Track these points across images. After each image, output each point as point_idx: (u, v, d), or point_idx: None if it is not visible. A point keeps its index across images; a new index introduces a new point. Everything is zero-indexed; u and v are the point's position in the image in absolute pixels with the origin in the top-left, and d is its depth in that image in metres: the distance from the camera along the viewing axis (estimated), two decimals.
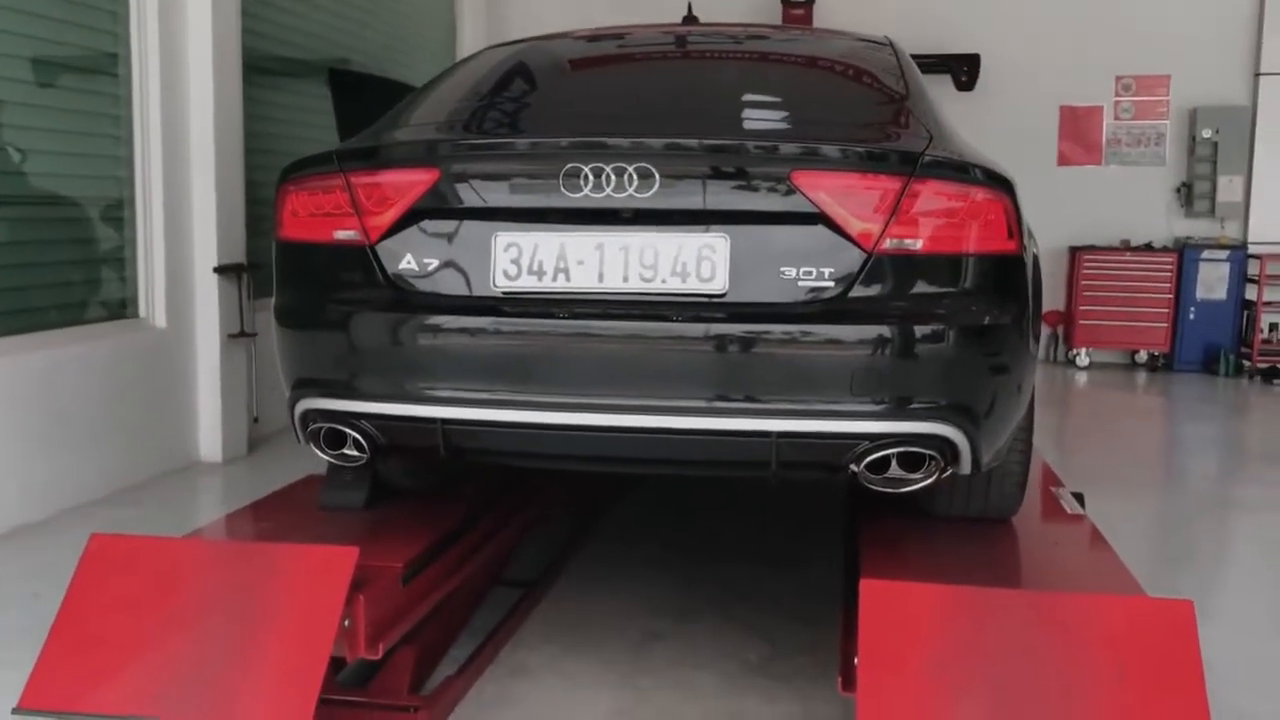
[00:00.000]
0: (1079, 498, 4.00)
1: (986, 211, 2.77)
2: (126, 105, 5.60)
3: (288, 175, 3.04)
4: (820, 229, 2.70)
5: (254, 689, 2.69)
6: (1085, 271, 10.45)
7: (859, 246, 2.70)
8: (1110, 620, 2.64)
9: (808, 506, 5.46)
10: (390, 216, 2.86)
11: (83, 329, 5.33)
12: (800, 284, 2.70)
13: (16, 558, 4.58)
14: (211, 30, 5.80)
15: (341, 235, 2.91)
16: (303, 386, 3.00)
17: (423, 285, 2.84)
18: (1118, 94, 10.76)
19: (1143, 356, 10.66)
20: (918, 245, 2.72)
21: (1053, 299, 10.48)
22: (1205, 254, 10.34)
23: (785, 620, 3.96)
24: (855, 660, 2.64)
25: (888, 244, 2.70)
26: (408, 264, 2.85)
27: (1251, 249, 10.37)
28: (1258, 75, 10.48)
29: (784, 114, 3.36)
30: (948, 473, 2.87)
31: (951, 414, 2.75)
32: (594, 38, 3.96)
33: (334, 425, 2.96)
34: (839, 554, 3.82)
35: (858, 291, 2.70)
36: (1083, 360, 10.61)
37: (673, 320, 2.72)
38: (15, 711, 2.76)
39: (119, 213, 5.63)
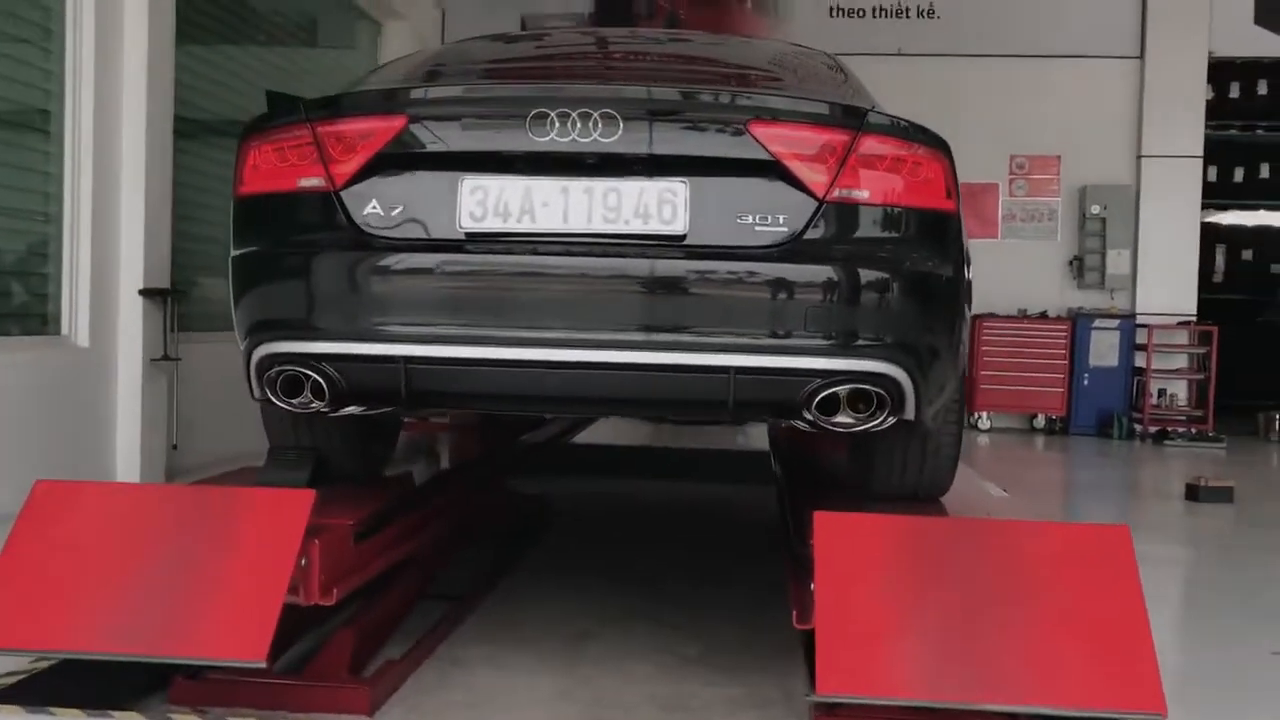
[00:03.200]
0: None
1: (927, 169, 2.96)
2: (58, 123, 5.57)
3: (252, 129, 3.09)
4: (775, 176, 2.85)
5: (212, 620, 2.65)
6: (985, 338, 10.87)
7: (811, 194, 2.85)
8: (1051, 544, 2.77)
9: (737, 538, 5.53)
10: (356, 163, 2.92)
11: (1, 341, 5.21)
12: (757, 228, 2.84)
13: None
14: (146, 77, 5.84)
15: (306, 183, 2.96)
16: (261, 330, 3.00)
17: (388, 228, 2.90)
18: (1012, 173, 11.34)
19: (1041, 420, 11.06)
20: (864, 195, 2.89)
21: None
22: (1097, 323, 10.86)
23: (720, 624, 3.97)
24: (811, 588, 2.72)
25: (837, 193, 2.86)
26: (373, 208, 2.90)
27: (1140, 319, 10.93)
28: (1139, 157, 11.17)
29: (740, 73, 3.54)
30: (892, 420, 2.98)
31: (897, 353, 2.88)
32: (561, 27, 4.13)
33: (294, 368, 2.96)
34: (770, 573, 3.86)
35: (810, 236, 2.85)
36: (984, 424, 10.97)
37: (636, 259, 2.83)
38: None
39: (45, 229, 5.56)
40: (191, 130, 6.78)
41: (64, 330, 5.62)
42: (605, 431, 7.37)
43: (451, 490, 4.31)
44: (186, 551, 2.79)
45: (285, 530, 2.78)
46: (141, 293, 5.86)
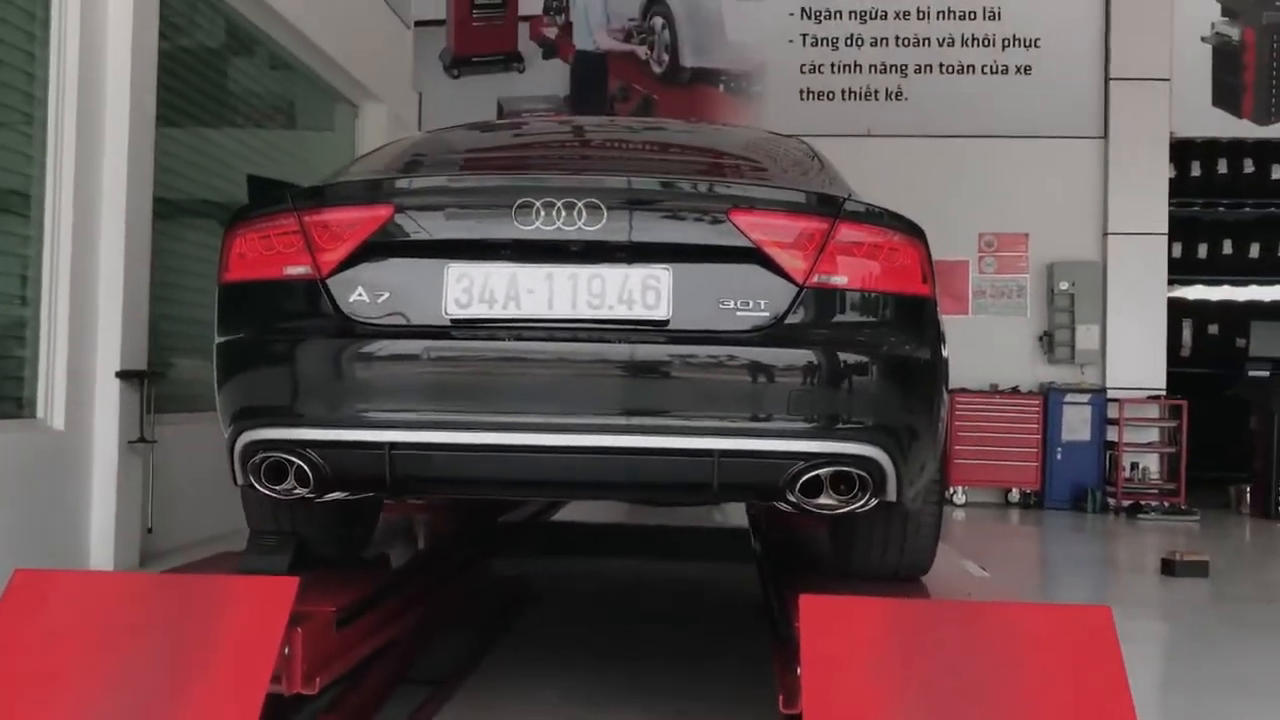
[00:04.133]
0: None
1: (904, 255, 3.02)
2: (38, 206, 5.60)
3: (239, 218, 3.13)
4: (756, 263, 2.90)
5: (192, 712, 2.62)
6: (958, 413, 10.94)
7: (791, 280, 2.91)
8: (1035, 626, 2.78)
9: (717, 616, 5.50)
10: (343, 251, 2.95)
11: None
12: (738, 313, 2.89)
13: None
14: (127, 160, 5.90)
15: (293, 271, 2.98)
16: (245, 418, 3.01)
17: (374, 315, 2.93)
18: (981, 250, 11.53)
19: (1015, 495, 11.11)
20: (843, 281, 2.95)
21: None
22: (1068, 397, 10.97)
23: (707, 707, 3.93)
24: (798, 672, 2.71)
25: (816, 279, 2.92)
26: (359, 295, 2.94)
27: (1110, 393, 11.04)
28: (1106, 234, 11.38)
29: (719, 161, 3.62)
30: (874, 501, 3.01)
31: (878, 435, 2.92)
32: (538, 112, 4.22)
33: (278, 455, 2.96)
34: (753, 651, 3.82)
35: (790, 321, 2.90)
36: (959, 498, 11.00)
37: (620, 344, 2.86)
38: None
39: (22, 311, 5.55)
40: (170, 211, 6.82)
41: (40, 413, 5.58)
42: (582, 510, 7.35)
43: (431, 572, 4.29)
44: (168, 641, 2.76)
45: (268, 619, 2.76)
46: (119, 375, 5.84)
